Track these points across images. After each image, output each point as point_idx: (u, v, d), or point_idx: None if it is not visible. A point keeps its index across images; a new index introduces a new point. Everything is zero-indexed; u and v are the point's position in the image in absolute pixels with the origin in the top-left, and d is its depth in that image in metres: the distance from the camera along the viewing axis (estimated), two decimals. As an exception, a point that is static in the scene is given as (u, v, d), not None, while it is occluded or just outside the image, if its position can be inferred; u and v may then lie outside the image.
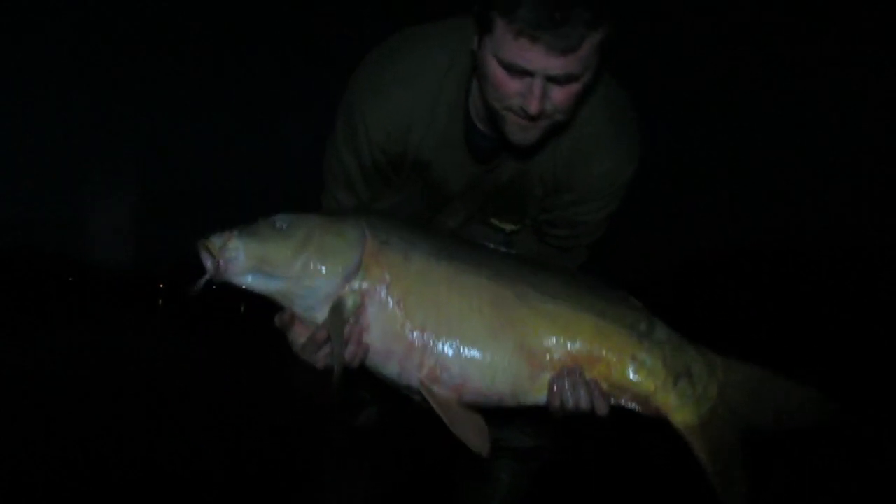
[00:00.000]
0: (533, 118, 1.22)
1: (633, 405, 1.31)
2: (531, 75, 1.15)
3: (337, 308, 1.20)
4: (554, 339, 1.25)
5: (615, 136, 1.43)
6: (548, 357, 1.25)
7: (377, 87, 1.39)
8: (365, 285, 1.22)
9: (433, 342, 1.22)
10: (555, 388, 1.23)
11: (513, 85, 1.19)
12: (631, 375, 1.28)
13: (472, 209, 1.56)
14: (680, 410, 1.30)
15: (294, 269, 1.21)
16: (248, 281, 1.23)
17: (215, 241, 1.22)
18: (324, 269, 1.21)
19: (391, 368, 1.25)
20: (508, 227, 1.59)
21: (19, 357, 7.69)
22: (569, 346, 1.26)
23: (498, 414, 1.31)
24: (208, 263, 1.21)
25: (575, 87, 1.19)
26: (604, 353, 1.27)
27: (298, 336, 1.26)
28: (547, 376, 1.25)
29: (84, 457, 3.32)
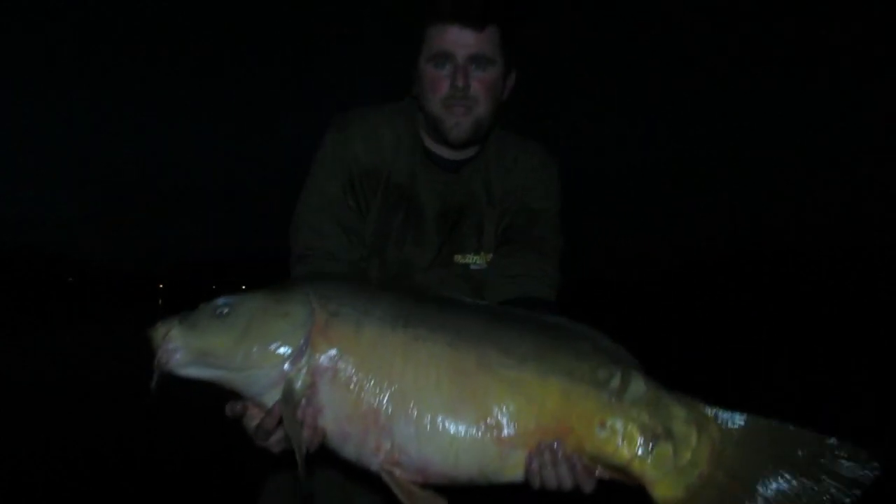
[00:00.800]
0: (462, 95, 1.43)
1: (618, 478, 1.11)
2: (454, 61, 1.42)
3: (287, 393, 1.10)
4: (519, 411, 1.10)
5: (530, 147, 1.69)
6: (514, 431, 1.10)
7: (348, 118, 1.60)
8: (313, 363, 1.11)
9: (388, 422, 1.09)
10: (532, 466, 1.10)
11: (442, 76, 1.44)
12: (602, 444, 1.09)
13: (443, 237, 1.60)
14: (660, 483, 1.07)
15: (236, 360, 1.12)
16: (191, 372, 1.13)
17: (159, 331, 1.11)
18: (266, 355, 1.11)
19: (349, 451, 1.12)
20: (472, 259, 1.62)
21: (19, 357, 7.70)
22: (536, 417, 1.10)
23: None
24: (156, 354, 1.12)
25: (489, 75, 1.44)
26: (573, 421, 1.10)
27: (251, 421, 1.17)
28: (519, 454, 1.10)
29: (84, 457, 3.32)
